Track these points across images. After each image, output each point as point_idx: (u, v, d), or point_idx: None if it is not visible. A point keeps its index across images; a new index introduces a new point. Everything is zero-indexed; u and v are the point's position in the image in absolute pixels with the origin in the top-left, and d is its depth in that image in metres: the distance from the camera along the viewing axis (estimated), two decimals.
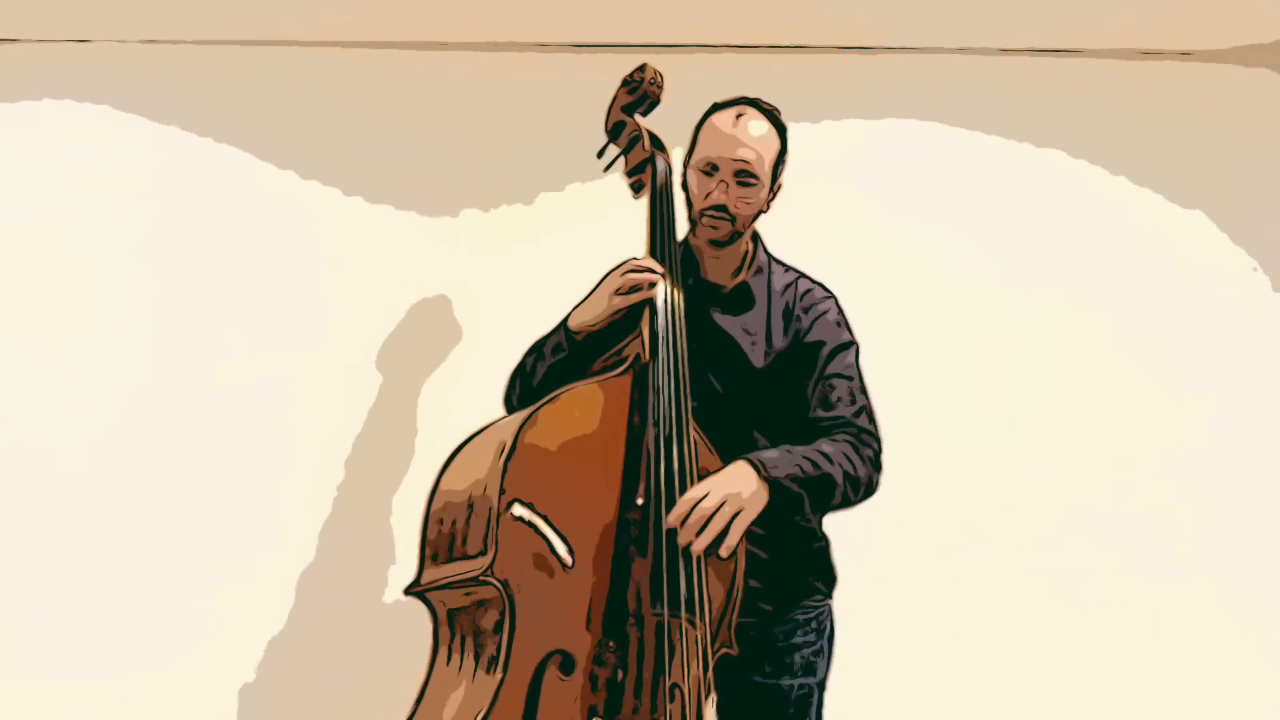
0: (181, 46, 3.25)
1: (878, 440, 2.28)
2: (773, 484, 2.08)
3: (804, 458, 2.13)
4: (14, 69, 3.22)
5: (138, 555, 2.98)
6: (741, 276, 2.40)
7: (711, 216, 2.31)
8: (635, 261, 2.27)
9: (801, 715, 2.29)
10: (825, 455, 2.16)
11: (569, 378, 2.19)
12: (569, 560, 1.99)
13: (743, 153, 2.30)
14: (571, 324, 2.31)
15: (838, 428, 2.24)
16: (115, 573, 2.97)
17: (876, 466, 2.26)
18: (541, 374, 2.32)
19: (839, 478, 2.16)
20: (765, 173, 2.34)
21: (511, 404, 2.40)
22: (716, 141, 2.32)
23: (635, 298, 2.22)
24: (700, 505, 2.02)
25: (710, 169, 2.31)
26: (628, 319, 2.25)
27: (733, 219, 2.31)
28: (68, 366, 3.08)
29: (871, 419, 2.30)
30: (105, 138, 3.21)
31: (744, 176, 2.30)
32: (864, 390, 2.33)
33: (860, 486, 2.22)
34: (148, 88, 3.23)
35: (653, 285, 2.22)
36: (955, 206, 3.29)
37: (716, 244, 2.35)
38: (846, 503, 2.22)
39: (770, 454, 2.13)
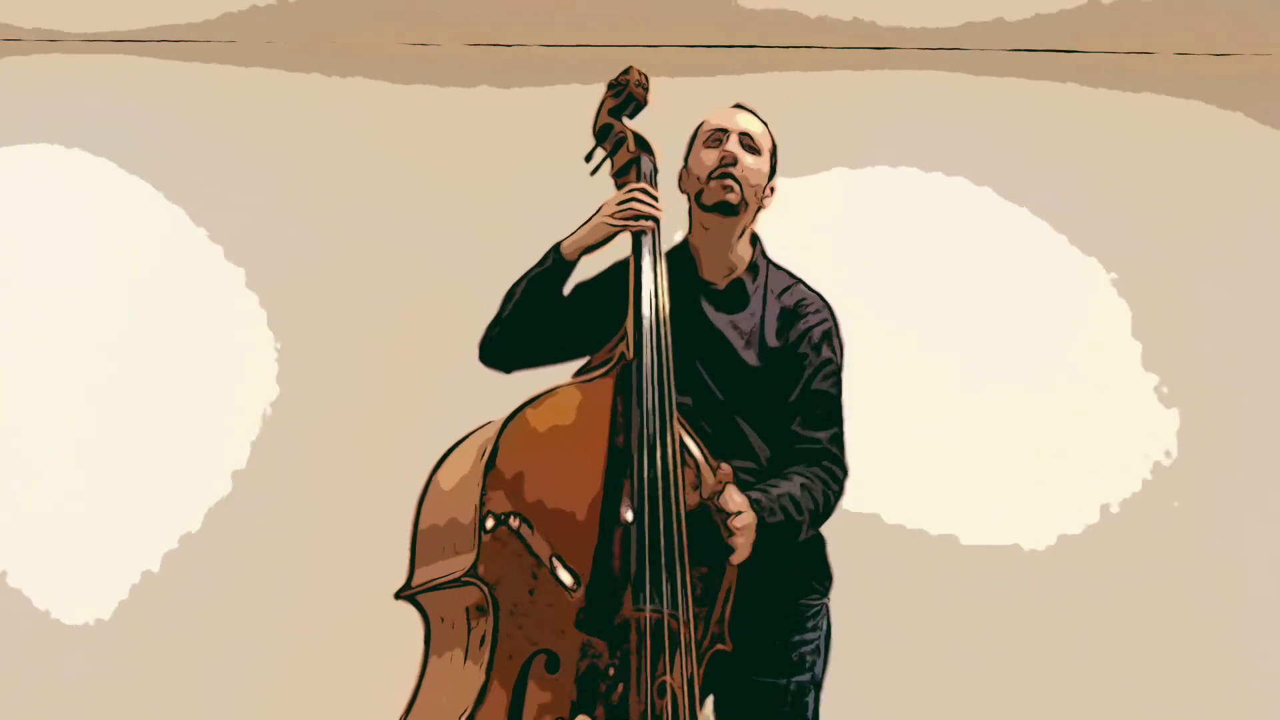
0: (181, 47, 3.32)
1: (844, 470, 2.30)
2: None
3: (781, 508, 2.16)
4: None
5: (136, 556, 3.03)
6: (736, 274, 2.41)
7: (722, 175, 2.33)
8: (638, 188, 2.31)
9: (799, 714, 2.29)
10: (797, 504, 2.18)
11: (544, 299, 2.30)
12: (553, 560, 2.00)
13: (747, 124, 2.39)
14: (564, 245, 2.35)
15: (813, 453, 2.27)
16: (114, 572, 3.03)
17: (838, 497, 2.28)
18: (520, 291, 2.36)
19: (804, 526, 2.20)
20: (766, 151, 2.39)
21: (489, 342, 2.42)
22: (719, 118, 2.40)
23: (630, 225, 2.26)
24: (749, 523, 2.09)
25: (716, 138, 2.37)
26: (615, 316, 2.26)
27: (740, 183, 2.33)
28: (70, 367, 3.15)
29: (842, 446, 2.32)
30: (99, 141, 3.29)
31: (749, 143, 2.36)
32: (840, 411, 2.34)
33: (819, 520, 2.26)
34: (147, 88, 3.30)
35: (649, 218, 2.27)
36: (950, 202, 3.28)
37: (726, 209, 2.34)
38: (802, 535, 2.25)
39: (756, 496, 2.15)
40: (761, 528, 2.12)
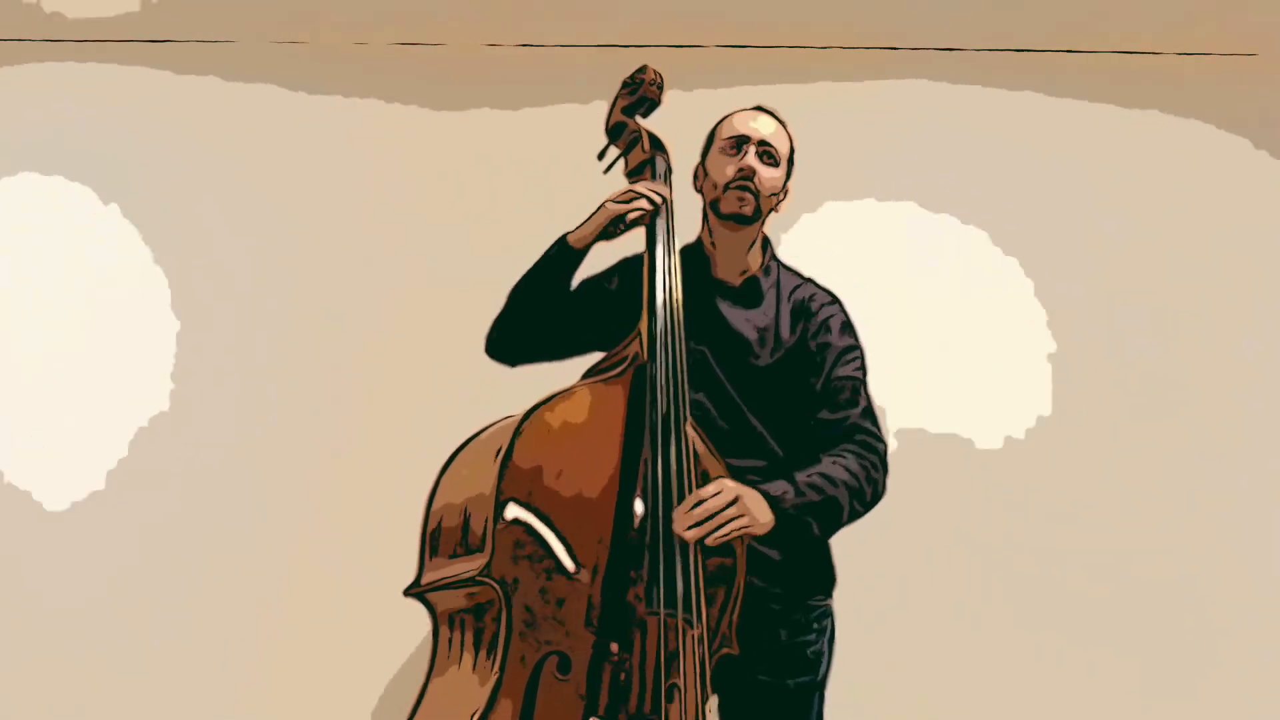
0: (186, 45, 3.30)
1: (882, 442, 2.28)
2: (782, 515, 2.10)
3: (809, 486, 2.14)
4: None
5: (137, 556, 3.01)
6: (750, 273, 2.42)
7: (739, 188, 2.34)
8: (642, 181, 2.33)
9: (803, 715, 2.30)
10: (829, 479, 2.16)
11: (551, 288, 2.30)
12: (566, 561, 2.00)
13: (766, 131, 2.39)
14: (570, 235, 2.34)
15: (842, 434, 2.25)
16: (114, 572, 3.01)
17: (882, 470, 2.25)
18: (526, 280, 2.36)
19: (844, 499, 2.17)
20: (783, 159, 2.41)
21: (495, 334, 2.41)
22: (739, 122, 2.40)
23: (631, 210, 2.26)
24: (707, 502, 2.04)
25: (735, 145, 2.37)
26: (629, 316, 2.25)
27: (756, 194, 2.34)
28: (72, 368, 3.13)
29: (875, 421, 2.30)
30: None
31: (767, 152, 2.37)
32: (868, 393, 2.33)
33: (867, 498, 2.22)
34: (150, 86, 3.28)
35: (652, 204, 2.27)
36: (955, 202, 3.30)
37: (740, 220, 2.36)
38: (855, 516, 2.22)
39: (778, 486, 2.13)
40: (793, 517, 2.10)
